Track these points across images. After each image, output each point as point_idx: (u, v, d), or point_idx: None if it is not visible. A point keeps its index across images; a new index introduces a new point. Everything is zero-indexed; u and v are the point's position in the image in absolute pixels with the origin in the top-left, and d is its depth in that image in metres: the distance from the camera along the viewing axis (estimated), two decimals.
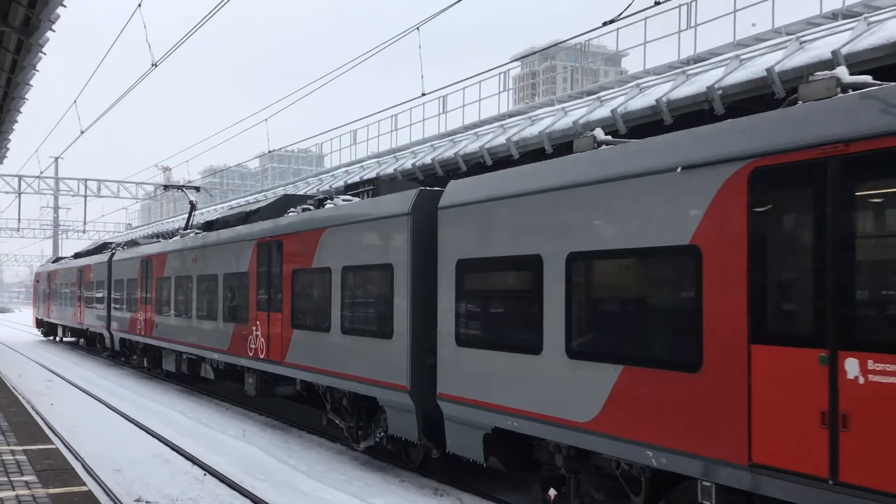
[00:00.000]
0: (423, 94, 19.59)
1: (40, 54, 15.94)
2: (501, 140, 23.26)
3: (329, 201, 16.01)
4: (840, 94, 7.14)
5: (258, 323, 17.52)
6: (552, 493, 10.09)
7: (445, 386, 11.35)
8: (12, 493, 9.25)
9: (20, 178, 56.57)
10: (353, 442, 14.79)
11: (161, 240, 30.04)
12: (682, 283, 7.96)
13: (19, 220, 67.60)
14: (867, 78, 7.40)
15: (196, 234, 22.90)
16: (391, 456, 14.31)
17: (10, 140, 26.51)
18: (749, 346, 7.20)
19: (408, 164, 28.01)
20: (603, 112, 19.70)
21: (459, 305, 11.11)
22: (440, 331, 11.51)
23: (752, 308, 7.18)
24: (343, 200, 15.41)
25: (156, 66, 19.01)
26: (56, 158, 63.04)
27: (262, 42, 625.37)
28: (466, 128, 28.57)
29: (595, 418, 8.80)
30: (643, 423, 8.23)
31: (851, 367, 6.42)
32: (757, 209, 7.20)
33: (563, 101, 24.76)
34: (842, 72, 7.36)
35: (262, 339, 17.30)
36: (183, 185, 32.90)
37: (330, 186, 33.04)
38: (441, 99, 30.85)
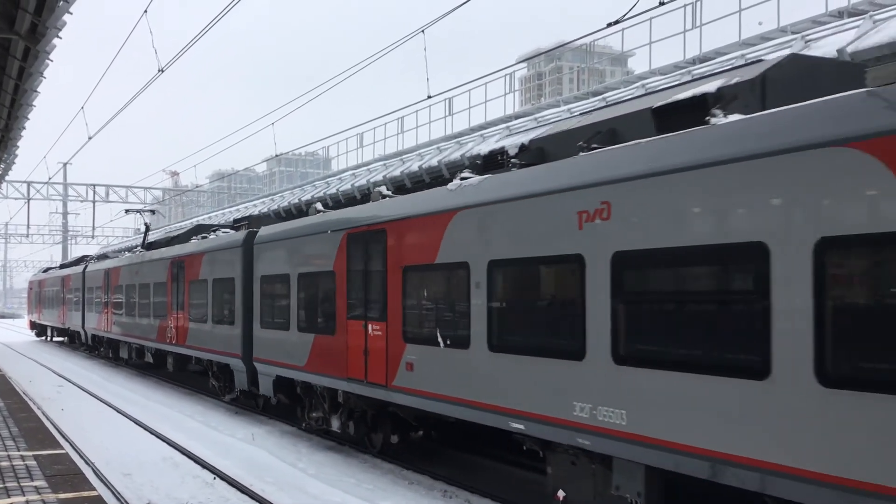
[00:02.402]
0: (429, 97, 19.60)
1: (47, 61, 15.97)
2: (507, 142, 23.27)
3: (213, 233, 23.09)
4: (382, 197, 14.09)
5: (172, 318, 24.39)
6: (561, 494, 10.14)
7: (257, 352, 18.34)
8: (23, 499, 9.29)
9: (29, 184, 56.81)
10: (222, 396, 21.87)
11: (121, 255, 36.87)
12: (330, 290, 14.85)
13: (28, 225, 67.96)
14: (389, 193, 14.32)
15: (139, 252, 29.81)
16: (246, 405, 21.03)
17: (18, 146, 26.56)
18: (346, 321, 14.21)
19: (414, 167, 28.04)
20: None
21: (262, 302, 18.09)
22: (254, 319, 18.42)
23: (347, 302, 14.23)
24: (223, 232, 22.56)
25: (162, 71, 19.05)
26: (64, 164, 63.38)
27: (270, 48, 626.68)
28: (472, 130, 28.59)
29: (306, 364, 15.81)
30: (322, 364, 15.18)
31: (369, 328, 13.43)
32: (348, 254, 14.20)
33: (568, 101, 24.76)
34: (383, 188, 14.61)
35: (174, 330, 24.20)
36: (140, 209, 39.32)
37: (337, 190, 33.09)
38: (447, 101, 30.90)
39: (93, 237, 72.61)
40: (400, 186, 27.54)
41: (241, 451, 15.68)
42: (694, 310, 7.91)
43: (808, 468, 6.74)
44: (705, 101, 8.66)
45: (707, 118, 8.24)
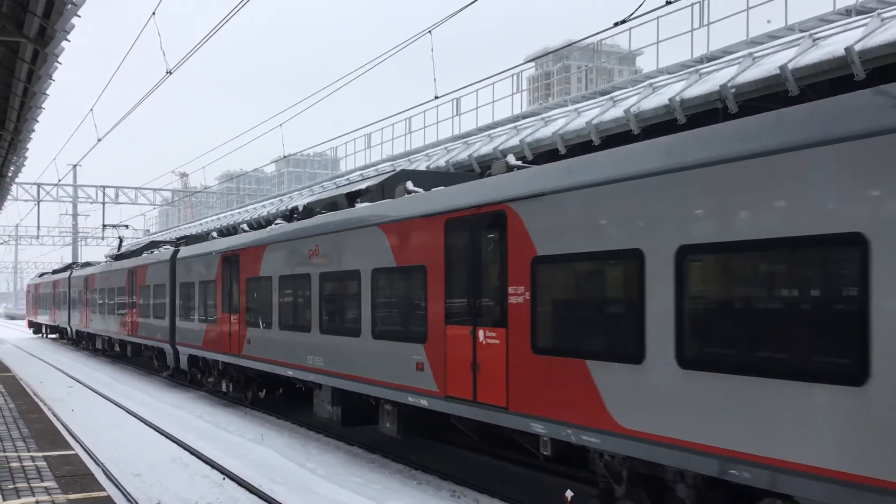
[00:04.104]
0: (437, 97, 19.59)
1: (56, 64, 16.06)
2: (515, 142, 23.25)
3: (156, 249, 30.64)
4: (243, 232, 21.31)
5: (129, 315, 30.91)
6: (569, 494, 10.14)
7: (178, 338, 24.94)
8: (32, 499, 9.34)
9: (39, 185, 57.00)
10: (161, 373, 29.04)
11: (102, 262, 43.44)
12: (213, 293, 21.25)
13: (38, 227, 68.11)
14: (246, 229, 21.74)
15: (109, 262, 36.75)
16: (179, 380, 27.85)
17: (28, 149, 26.68)
18: (221, 313, 20.58)
19: (421, 167, 28.04)
20: (616, 112, 19.64)
21: (182, 302, 24.47)
22: (176, 314, 24.98)
23: (221, 301, 20.73)
24: (164, 249, 28.55)
25: (170, 73, 19.12)
26: (74, 166, 63.57)
27: (277, 50, 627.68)
28: (480, 129, 28.52)
29: (202, 344, 22.38)
30: (211, 343, 21.52)
31: (231, 318, 20.11)
32: (222, 269, 20.72)
33: (576, 101, 24.69)
34: (244, 225, 23.78)
35: (130, 324, 30.80)
36: (116, 224, 49.30)
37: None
38: (455, 101, 30.86)
39: (102, 238, 72.79)
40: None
41: (251, 451, 15.73)
42: (343, 304, 14.69)
43: (382, 378, 13.14)
44: (359, 194, 15.56)
45: (355, 204, 15.18)
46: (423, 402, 12.01)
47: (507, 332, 10.12)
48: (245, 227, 21.69)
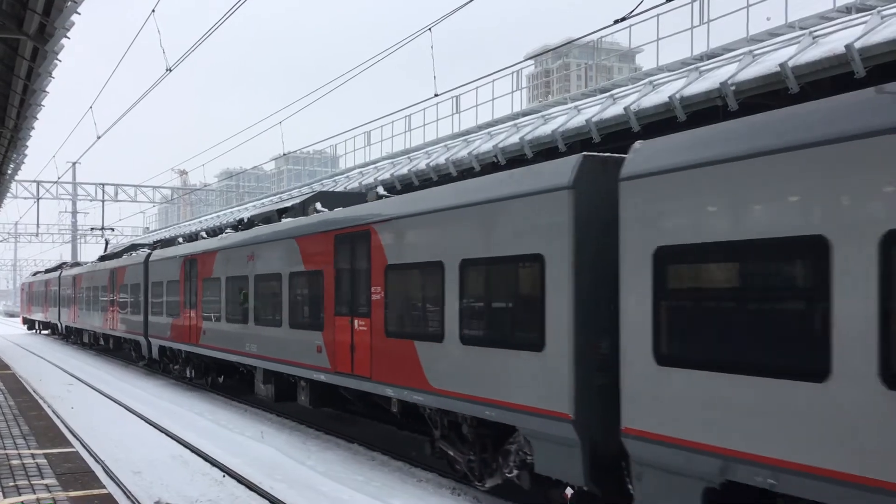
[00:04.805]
0: (437, 95, 19.57)
1: (55, 61, 16.04)
2: (515, 139, 23.24)
3: (135, 252, 33.69)
4: (202, 239, 24.70)
5: (110, 312, 34.13)
6: (569, 491, 10.15)
7: (150, 331, 27.87)
8: (33, 497, 9.35)
9: (38, 183, 56.98)
10: (138, 363, 31.80)
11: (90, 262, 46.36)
12: (177, 291, 24.46)
13: (38, 225, 68.06)
14: (204, 236, 25.28)
15: (95, 262, 40.14)
16: (155, 367, 29.81)
17: (27, 146, 26.66)
18: (183, 309, 23.94)
19: (422, 165, 28.02)
20: (616, 110, 19.63)
21: (153, 299, 27.01)
22: (149, 309, 27.79)
23: (183, 299, 23.94)
24: (143, 252, 31.13)
25: (170, 70, 19.10)
26: (73, 164, 63.51)
27: (278, 48, 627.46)
28: (480, 127, 28.51)
29: (169, 336, 25.55)
30: (176, 335, 24.87)
31: (191, 313, 23.14)
32: (184, 270, 23.77)
33: (576, 99, 24.69)
34: (203, 233, 26.82)
35: (111, 320, 34.04)
36: (102, 227, 52.94)
37: (345, 188, 33.10)
38: (454, 99, 30.84)
39: (101, 236, 72.64)
40: (408, 184, 27.98)
41: (251, 448, 15.73)
42: (271, 300, 17.58)
43: (296, 360, 16.29)
44: (286, 210, 18.61)
45: (281, 220, 18.26)
46: (322, 377, 15.28)
47: (371, 320, 13.44)
48: (203, 234, 26.34)
